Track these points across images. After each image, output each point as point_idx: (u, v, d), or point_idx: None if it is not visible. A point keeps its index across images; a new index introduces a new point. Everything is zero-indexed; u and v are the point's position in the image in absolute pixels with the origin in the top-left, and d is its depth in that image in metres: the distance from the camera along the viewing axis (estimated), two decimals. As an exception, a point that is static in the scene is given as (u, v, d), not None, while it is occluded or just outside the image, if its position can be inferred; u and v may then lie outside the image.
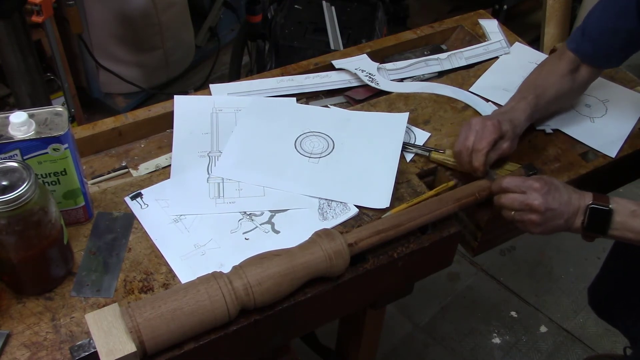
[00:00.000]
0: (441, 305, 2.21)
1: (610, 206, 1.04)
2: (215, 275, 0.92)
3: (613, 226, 1.04)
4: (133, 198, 1.13)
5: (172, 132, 1.26)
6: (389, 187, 1.16)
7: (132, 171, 1.20)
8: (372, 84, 1.42)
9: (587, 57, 1.26)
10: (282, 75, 1.43)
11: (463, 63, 1.52)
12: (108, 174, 1.19)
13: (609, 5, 1.20)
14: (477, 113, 1.37)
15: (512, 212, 1.06)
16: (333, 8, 2.22)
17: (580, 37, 1.25)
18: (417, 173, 1.22)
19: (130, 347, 0.84)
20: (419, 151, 1.25)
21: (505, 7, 2.86)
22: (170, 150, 1.23)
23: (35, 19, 1.92)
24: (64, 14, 2.24)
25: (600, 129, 1.35)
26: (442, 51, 1.58)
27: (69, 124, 0.97)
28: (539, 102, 1.23)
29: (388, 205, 1.13)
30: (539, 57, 1.51)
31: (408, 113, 1.32)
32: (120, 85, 2.71)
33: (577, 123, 1.36)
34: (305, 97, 1.41)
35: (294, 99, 1.37)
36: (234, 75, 2.46)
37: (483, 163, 1.12)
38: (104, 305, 0.93)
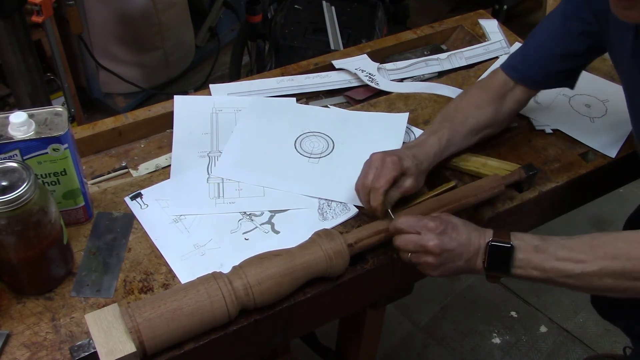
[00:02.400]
0: (441, 305, 2.21)
1: (511, 243, 0.95)
2: (215, 276, 0.92)
3: (516, 264, 0.95)
4: (133, 198, 1.13)
5: (172, 132, 1.26)
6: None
7: (132, 171, 1.20)
8: (372, 84, 1.42)
9: (534, 83, 1.22)
10: (282, 75, 1.43)
11: (463, 63, 1.52)
12: (108, 174, 1.19)
13: (553, 28, 1.18)
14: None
15: (409, 255, 0.98)
16: (333, 8, 2.22)
17: (522, 64, 1.21)
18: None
19: (130, 347, 0.84)
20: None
21: (505, 7, 2.86)
22: (170, 150, 1.23)
23: (35, 19, 1.92)
24: (64, 14, 2.24)
25: (600, 129, 1.35)
26: (442, 51, 1.58)
27: (69, 124, 0.97)
28: (453, 137, 1.17)
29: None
30: (539, 57, 1.51)
31: (408, 113, 1.32)
32: (120, 85, 2.71)
33: (577, 123, 1.36)
34: (305, 97, 1.41)
35: (294, 99, 1.37)
36: (234, 75, 2.46)
37: (381, 202, 1.03)
38: (104, 306, 0.93)
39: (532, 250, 0.96)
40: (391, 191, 1.05)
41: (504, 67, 1.24)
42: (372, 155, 1.08)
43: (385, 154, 1.07)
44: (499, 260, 0.96)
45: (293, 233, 1.08)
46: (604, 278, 0.93)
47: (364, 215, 1.13)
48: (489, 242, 0.97)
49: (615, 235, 0.95)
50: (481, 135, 1.24)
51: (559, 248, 0.95)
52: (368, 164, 1.07)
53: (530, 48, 1.22)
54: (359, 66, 1.46)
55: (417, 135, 1.30)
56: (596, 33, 1.13)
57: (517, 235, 0.97)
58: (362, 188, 1.06)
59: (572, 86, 1.26)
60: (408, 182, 1.07)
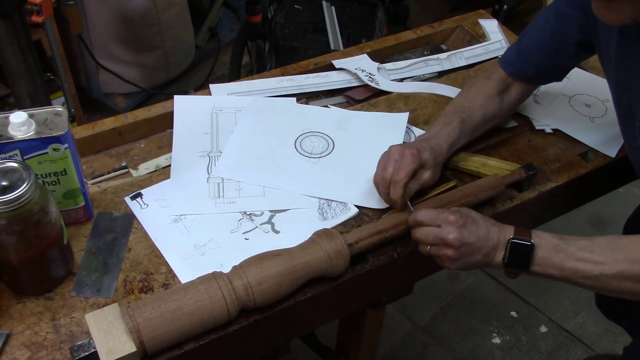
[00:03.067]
0: (441, 305, 2.21)
1: (532, 241, 0.97)
2: (215, 275, 0.92)
3: (535, 262, 0.97)
4: (133, 198, 1.13)
5: (172, 132, 1.26)
6: (389, 187, 1.16)
7: (132, 171, 1.20)
8: (372, 84, 1.42)
9: (527, 78, 1.23)
10: (282, 75, 1.43)
11: (463, 63, 1.52)
12: (108, 174, 1.19)
13: (545, 25, 1.19)
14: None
15: (428, 247, 0.99)
16: (333, 8, 2.22)
17: (517, 59, 1.22)
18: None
19: (130, 347, 0.84)
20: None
21: (505, 7, 2.86)
22: (170, 150, 1.23)
23: (35, 19, 1.92)
24: (64, 14, 2.24)
25: (600, 129, 1.35)
26: (442, 51, 1.58)
27: (69, 124, 0.97)
28: (465, 127, 1.18)
29: (388, 205, 1.13)
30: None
31: (408, 113, 1.32)
32: (120, 85, 2.71)
33: (577, 123, 1.36)
34: (305, 97, 1.41)
35: (294, 99, 1.37)
36: (234, 75, 2.46)
37: (401, 195, 1.05)
38: (104, 305, 0.93)
39: (552, 250, 0.97)
40: (410, 183, 1.07)
41: (500, 61, 1.26)
42: (391, 147, 1.09)
43: (404, 146, 1.08)
44: (519, 257, 0.98)
45: (293, 233, 1.08)
46: (623, 281, 0.94)
47: (364, 215, 1.13)
48: (510, 239, 0.98)
49: (637, 239, 0.95)
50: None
51: (579, 249, 0.96)
52: (387, 157, 1.09)
53: (523, 43, 1.23)
54: (359, 66, 1.46)
55: (417, 135, 1.30)
56: (587, 31, 1.13)
57: (537, 233, 0.98)
58: (382, 180, 1.07)
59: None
60: (426, 175, 1.09)
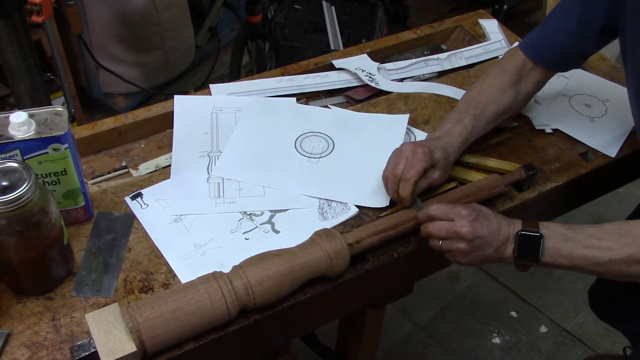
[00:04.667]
0: (441, 305, 2.21)
1: (540, 232, 0.98)
2: (216, 275, 0.92)
3: (545, 252, 0.98)
4: (133, 198, 1.13)
5: (172, 132, 1.26)
6: (389, 187, 1.16)
7: (132, 171, 1.20)
8: (372, 84, 1.42)
9: (548, 63, 1.22)
10: (282, 75, 1.43)
11: (463, 63, 1.52)
12: (108, 174, 1.19)
13: (571, 9, 1.18)
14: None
15: (440, 242, 1.00)
16: (333, 8, 2.22)
17: (538, 43, 1.21)
18: (417, 173, 1.22)
19: (131, 347, 0.84)
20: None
21: (505, 7, 2.86)
22: (170, 150, 1.23)
23: (35, 19, 1.92)
24: (64, 14, 2.24)
25: (600, 129, 1.35)
26: (442, 51, 1.58)
27: (69, 124, 0.97)
28: (477, 124, 1.18)
29: (387, 204, 1.13)
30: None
31: (408, 115, 1.32)
32: (120, 85, 2.71)
33: (577, 123, 1.36)
34: (305, 97, 1.41)
35: (294, 99, 1.37)
36: (234, 75, 2.46)
37: (410, 193, 1.06)
38: (104, 305, 0.93)
39: (560, 239, 0.98)
40: (420, 181, 1.07)
41: (521, 45, 1.24)
42: (403, 145, 1.10)
43: (417, 144, 1.09)
44: (528, 249, 0.99)
45: (293, 233, 1.08)
46: (632, 265, 0.95)
47: (364, 215, 1.13)
48: (518, 231, 0.99)
49: None
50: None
51: (587, 236, 0.97)
52: (399, 153, 1.09)
53: (547, 27, 1.22)
54: (359, 66, 1.46)
55: (417, 136, 1.30)
56: (613, 15, 1.11)
57: (545, 224, 1.00)
58: (392, 177, 1.08)
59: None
60: (436, 174, 1.10)
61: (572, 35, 1.18)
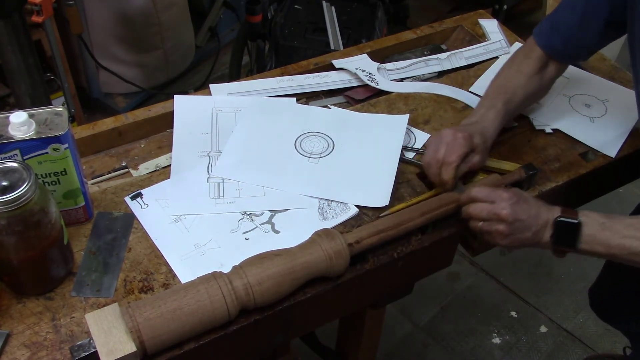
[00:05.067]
0: (441, 305, 2.21)
1: (578, 219, 1.00)
2: (215, 275, 0.92)
3: (582, 239, 1.00)
4: (133, 198, 1.13)
5: (172, 132, 1.26)
6: (389, 186, 1.16)
7: (132, 171, 1.20)
8: (372, 84, 1.42)
9: (556, 52, 1.24)
10: (282, 75, 1.43)
11: (463, 63, 1.52)
12: (108, 174, 1.19)
13: (573, 1, 1.19)
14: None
15: (480, 223, 1.04)
16: (333, 8, 2.22)
17: (549, 31, 1.23)
18: (417, 173, 1.22)
19: (130, 347, 0.84)
20: (419, 151, 1.25)
21: (505, 7, 2.86)
22: (170, 150, 1.23)
23: (35, 19, 1.92)
24: (64, 14, 2.24)
25: (600, 129, 1.35)
26: (442, 51, 1.58)
27: (69, 124, 0.97)
28: (509, 108, 1.21)
29: (387, 204, 1.13)
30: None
31: (408, 115, 1.32)
32: (120, 85, 2.71)
33: (577, 123, 1.36)
34: (305, 97, 1.41)
35: (294, 99, 1.37)
36: (234, 75, 2.46)
37: (452, 176, 1.09)
38: (104, 305, 0.93)
39: (598, 227, 1.00)
40: (460, 165, 1.11)
41: (534, 31, 1.26)
42: (443, 131, 1.13)
43: (457, 129, 1.12)
44: (566, 235, 1.01)
45: (293, 233, 1.08)
46: None
47: (364, 215, 1.13)
48: (557, 217, 1.01)
49: None
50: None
51: (625, 226, 0.99)
52: (439, 139, 1.12)
53: (555, 16, 1.23)
54: (359, 66, 1.46)
55: (417, 136, 1.30)
56: (619, 8, 1.12)
57: (584, 212, 1.02)
58: (434, 162, 1.11)
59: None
60: (476, 158, 1.13)
61: (577, 27, 1.19)
